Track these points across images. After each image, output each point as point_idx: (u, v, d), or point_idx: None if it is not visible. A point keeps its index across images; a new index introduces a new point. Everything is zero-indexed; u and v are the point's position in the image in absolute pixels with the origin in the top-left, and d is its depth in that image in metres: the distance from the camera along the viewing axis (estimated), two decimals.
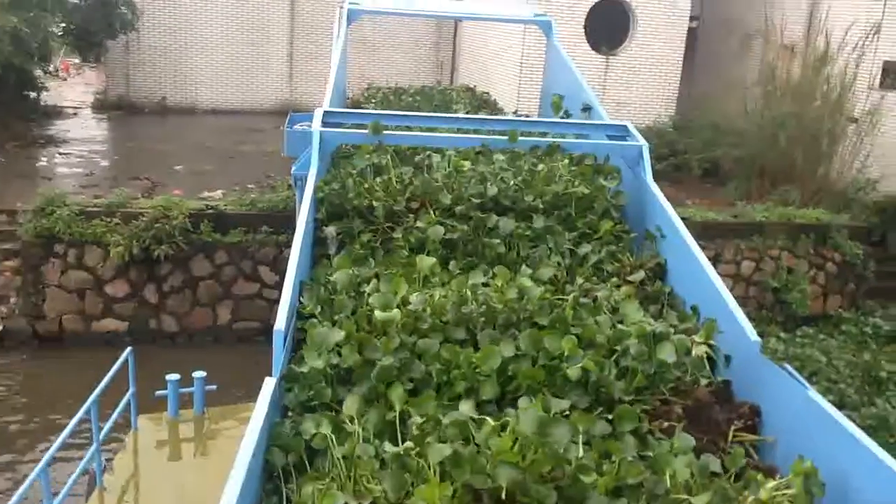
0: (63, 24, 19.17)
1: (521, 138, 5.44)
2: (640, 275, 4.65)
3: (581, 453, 2.81)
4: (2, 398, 10.07)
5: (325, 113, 5.34)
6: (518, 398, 3.33)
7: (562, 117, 6.92)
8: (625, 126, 5.70)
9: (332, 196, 4.87)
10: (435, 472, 2.67)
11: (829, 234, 13.79)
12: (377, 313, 3.66)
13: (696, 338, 3.93)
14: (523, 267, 4.49)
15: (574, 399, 3.35)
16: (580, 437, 2.90)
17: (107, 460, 6.67)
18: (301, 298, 4.02)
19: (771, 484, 2.99)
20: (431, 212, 4.85)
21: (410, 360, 3.46)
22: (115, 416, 6.87)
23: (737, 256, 13.31)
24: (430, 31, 22.94)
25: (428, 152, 5.68)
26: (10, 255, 11.44)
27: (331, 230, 4.71)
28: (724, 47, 19.62)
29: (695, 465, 3.01)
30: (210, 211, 11.68)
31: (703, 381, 3.72)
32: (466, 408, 3.16)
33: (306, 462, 3.05)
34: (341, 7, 8.57)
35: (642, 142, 5.37)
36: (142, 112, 21.24)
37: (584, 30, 17.71)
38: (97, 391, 6.26)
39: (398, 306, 3.77)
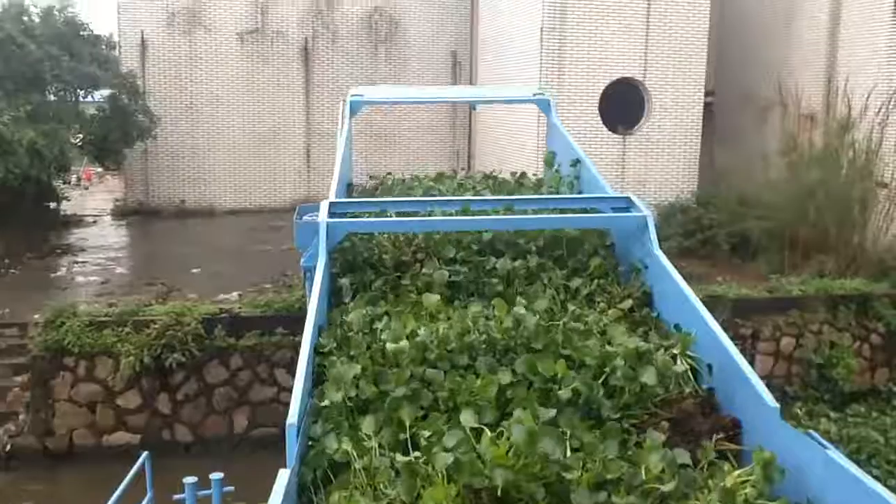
0: (81, 135, 19.38)
1: (528, 217, 5.70)
2: (629, 303, 5.06)
3: (567, 455, 3.24)
4: None
5: (332, 204, 5.49)
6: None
7: (561, 185, 7.15)
8: (627, 197, 5.74)
9: (344, 252, 5.42)
10: (441, 476, 3.07)
11: (870, 303, 13.12)
12: (389, 345, 4.12)
13: (676, 351, 4.26)
14: (519, 299, 4.84)
15: (567, 417, 3.65)
16: (567, 442, 3.34)
17: None
18: (320, 338, 4.45)
19: (735, 472, 3.37)
20: (436, 260, 5.36)
21: (420, 390, 3.86)
22: None
23: (775, 333, 12.66)
24: (445, 118, 23.00)
25: (430, 208, 6.09)
26: (21, 370, 11.12)
27: (345, 281, 5.23)
28: (741, 120, 19.41)
29: (667, 459, 3.34)
30: (224, 315, 11.33)
31: (688, 391, 4.04)
32: (467, 419, 3.54)
33: (331, 476, 3.45)
34: (344, 100, 8.51)
35: (647, 212, 5.47)
36: (161, 216, 21.28)
37: (598, 111, 17.57)
38: (114, 498, 6.33)
39: (408, 338, 4.21)
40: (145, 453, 7.35)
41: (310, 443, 3.66)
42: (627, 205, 5.68)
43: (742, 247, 16.07)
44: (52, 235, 18.60)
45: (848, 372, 12.56)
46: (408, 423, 3.57)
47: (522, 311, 4.52)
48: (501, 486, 2.98)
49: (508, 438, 3.16)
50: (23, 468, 10.56)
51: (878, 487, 3.02)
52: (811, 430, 3.51)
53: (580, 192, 6.96)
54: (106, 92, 19.91)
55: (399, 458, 3.26)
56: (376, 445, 3.48)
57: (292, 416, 3.29)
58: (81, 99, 19.41)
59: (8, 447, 10.60)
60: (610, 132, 17.82)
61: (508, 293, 5.07)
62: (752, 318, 12.62)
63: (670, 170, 18.18)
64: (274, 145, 22.14)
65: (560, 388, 3.83)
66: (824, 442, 3.34)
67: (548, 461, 3.14)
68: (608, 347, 4.18)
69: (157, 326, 10.67)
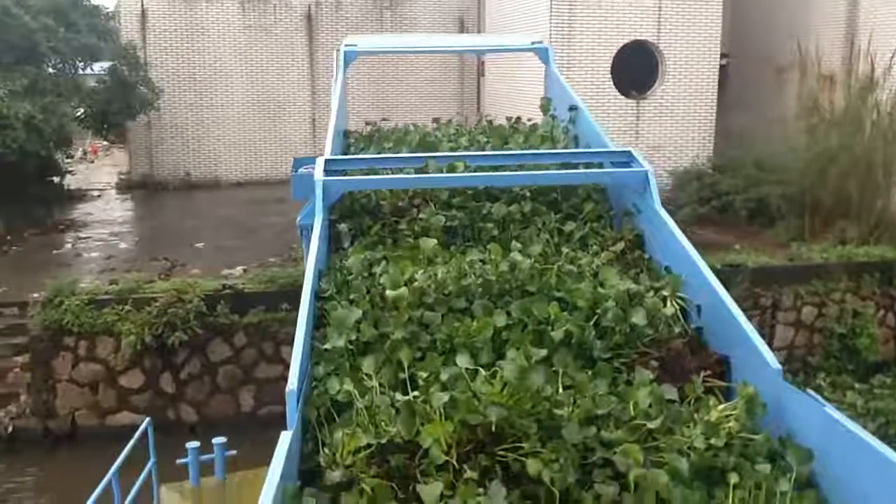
0: (83, 109, 19.01)
1: (526, 173, 5.64)
2: (621, 245, 5.11)
3: (559, 391, 3.35)
4: (17, 497, 9.51)
5: (327, 161, 5.42)
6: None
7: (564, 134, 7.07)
8: (629, 152, 5.61)
9: (342, 198, 5.41)
10: (438, 413, 3.17)
11: (894, 271, 12.68)
12: (388, 292, 4.20)
13: (666, 292, 4.38)
14: (514, 243, 4.91)
15: (559, 357, 3.74)
16: (559, 379, 3.48)
17: None
18: (321, 283, 4.52)
19: (720, 407, 3.51)
20: (432, 205, 5.42)
21: (418, 332, 3.96)
22: (137, 486, 6.88)
23: (796, 302, 12.26)
24: (454, 69, 22.57)
25: (427, 164, 6.15)
26: (22, 350, 10.86)
27: (343, 226, 5.28)
28: (757, 83, 18.82)
29: (655, 395, 3.43)
30: (227, 291, 11.01)
31: (677, 331, 4.16)
32: (463, 360, 3.63)
33: (334, 414, 3.52)
34: (337, 50, 8.19)
35: (648, 167, 5.36)
36: (166, 189, 20.95)
37: (610, 75, 17.04)
38: (118, 462, 6.39)
39: (406, 284, 4.28)
40: (147, 419, 7.43)
41: (313, 384, 3.78)
42: (628, 159, 5.56)
43: (760, 213, 15.59)
44: (55, 211, 18.31)
45: (871, 342, 12.17)
46: (406, 364, 3.70)
47: (518, 255, 4.61)
48: (495, 422, 3.10)
49: (502, 377, 3.29)
50: (25, 451, 10.34)
51: (875, 442, 3.04)
52: (809, 391, 3.48)
53: (576, 138, 6.96)
54: (106, 64, 19.52)
55: (399, 396, 3.39)
56: (377, 385, 3.59)
57: (292, 383, 3.32)
58: (81, 71, 18.99)
59: (10, 429, 10.38)
60: (623, 97, 17.29)
61: (504, 238, 5.14)
62: (772, 287, 12.20)
63: (685, 135, 17.66)
64: (279, 116, 21.70)
65: (553, 330, 3.94)
66: (822, 401, 3.35)
67: (539, 398, 3.24)
68: (600, 290, 4.29)
69: (157, 304, 10.37)
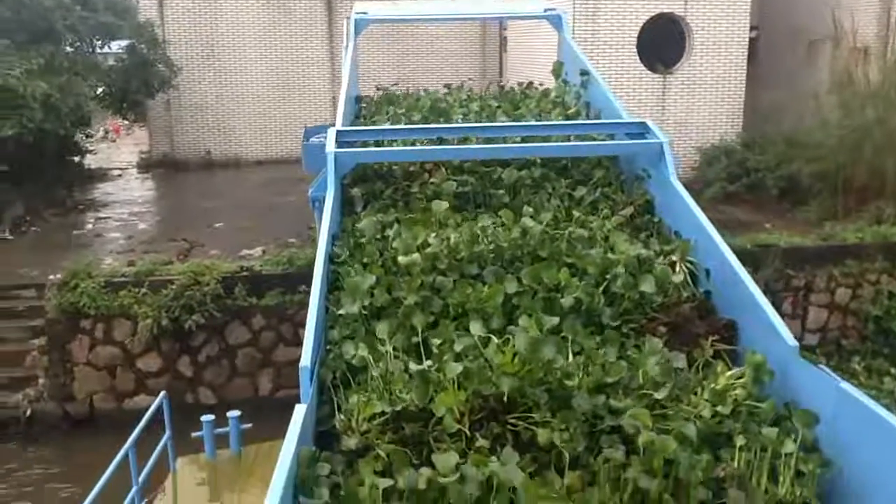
0: (102, 88, 18.84)
1: (539, 145, 5.54)
2: (630, 209, 5.17)
3: (568, 360, 3.37)
4: (35, 481, 9.43)
5: (339, 132, 5.37)
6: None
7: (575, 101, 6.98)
8: (644, 123, 5.57)
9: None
10: (452, 382, 3.19)
11: None
12: (401, 258, 4.26)
13: (675, 257, 4.45)
14: (526, 208, 4.94)
15: (569, 324, 3.79)
16: (568, 349, 3.49)
17: (147, 503, 6.74)
18: (334, 247, 4.58)
19: (727, 374, 3.57)
20: (444, 170, 5.43)
21: (430, 298, 4.01)
22: (153, 458, 6.91)
23: (830, 284, 11.88)
24: (475, 36, 22.13)
25: (439, 118, 6.35)
26: (39, 332, 10.75)
27: (356, 191, 5.30)
28: (788, 57, 18.25)
29: (663, 364, 3.48)
30: (244, 273, 10.82)
31: (686, 296, 4.22)
32: (476, 328, 3.69)
33: (350, 378, 3.60)
34: (347, 18, 8.09)
35: (664, 138, 5.29)
36: (186, 169, 20.78)
37: (636, 49, 16.58)
38: (134, 435, 6.46)
39: (418, 249, 4.33)
40: (162, 393, 7.52)
41: (328, 347, 3.84)
42: (643, 130, 5.50)
43: (791, 191, 15.13)
44: (75, 191, 18.20)
45: None
46: (420, 329, 3.74)
47: (529, 221, 4.65)
48: (507, 392, 3.14)
49: (514, 347, 3.29)
50: (44, 434, 10.27)
51: (888, 415, 3.02)
52: (827, 370, 3.46)
53: (587, 104, 6.92)
54: (124, 42, 19.31)
55: (413, 366, 3.40)
56: (390, 350, 3.62)
57: (305, 360, 3.31)
58: (99, 50, 18.79)
59: (28, 413, 10.30)
60: (649, 71, 16.82)
61: (515, 203, 5.14)
62: (805, 268, 11.82)
63: (713, 111, 17.17)
64: (299, 93, 21.39)
65: (563, 297, 4.00)
66: (835, 376, 3.33)
67: (550, 369, 3.27)
68: (610, 255, 4.34)
69: (174, 287, 10.21)
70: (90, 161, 21.11)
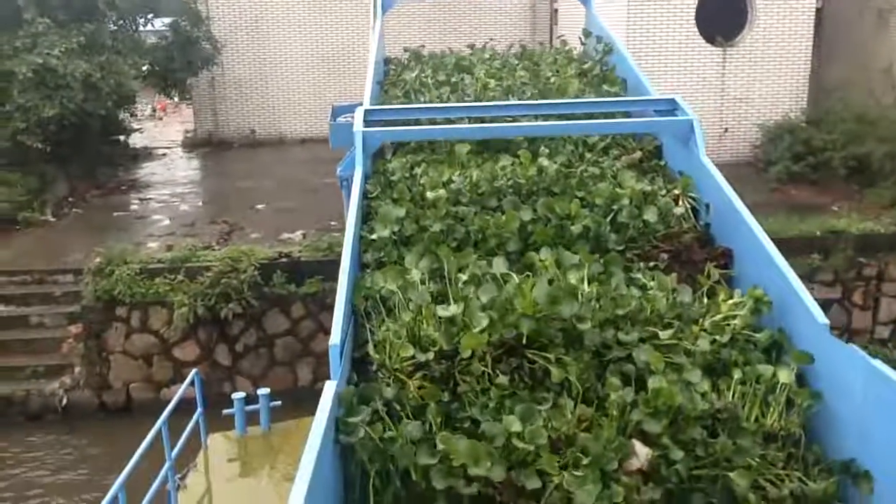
0: (146, 66, 18.62)
1: (567, 123, 5.55)
2: (639, 154, 5.51)
3: (581, 302, 3.52)
4: (70, 466, 9.32)
5: (367, 111, 5.35)
6: (537, 249, 4.19)
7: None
8: (673, 100, 5.51)
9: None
10: (476, 327, 3.41)
11: None
12: (428, 193, 4.64)
13: (677, 191, 4.79)
14: (542, 149, 5.33)
15: (578, 247, 4.18)
16: (581, 290, 3.65)
17: (179, 478, 6.81)
18: (367, 184, 4.89)
19: (729, 302, 3.84)
20: (466, 119, 5.63)
21: (454, 225, 4.38)
22: (185, 434, 7.08)
23: None
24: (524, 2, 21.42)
25: (462, 74, 6.75)
26: (75, 319, 10.55)
27: (386, 140, 5.49)
28: (856, 28, 17.18)
29: (671, 299, 3.76)
30: (283, 260, 10.45)
31: (687, 227, 4.56)
32: (499, 262, 3.94)
33: (380, 305, 3.79)
34: None
35: (693, 115, 5.26)
36: (231, 147, 20.54)
37: (695, 21, 15.72)
38: (167, 411, 6.60)
39: (443, 185, 4.73)
40: (194, 370, 7.69)
41: (359, 274, 4.10)
42: (673, 107, 5.49)
43: (860, 172, 14.23)
44: (119, 171, 18.09)
45: None
46: (444, 258, 3.99)
47: (545, 161, 5.04)
48: (526, 333, 3.39)
49: (533, 288, 3.48)
50: (80, 423, 10.09)
51: None
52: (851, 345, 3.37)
53: (612, 69, 7.10)
54: (167, 19, 19.03)
55: (441, 311, 3.55)
56: (418, 280, 3.84)
57: (335, 337, 3.36)
58: (141, 28, 18.54)
59: (64, 401, 10.13)
60: (708, 43, 15.95)
61: (532, 148, 5.39)
62: (877, 256, 11.04)
63: (777, 86, 16.22)
64: (345, 69, 20.91)
65: (573, 224, 4.35)
66: (864, 354, 3.26)
67: (563, 314, 3.48)
68: (617, 190, 4.66)
69: (210, 274, 9.88)
70: (136, 140, 21.02)
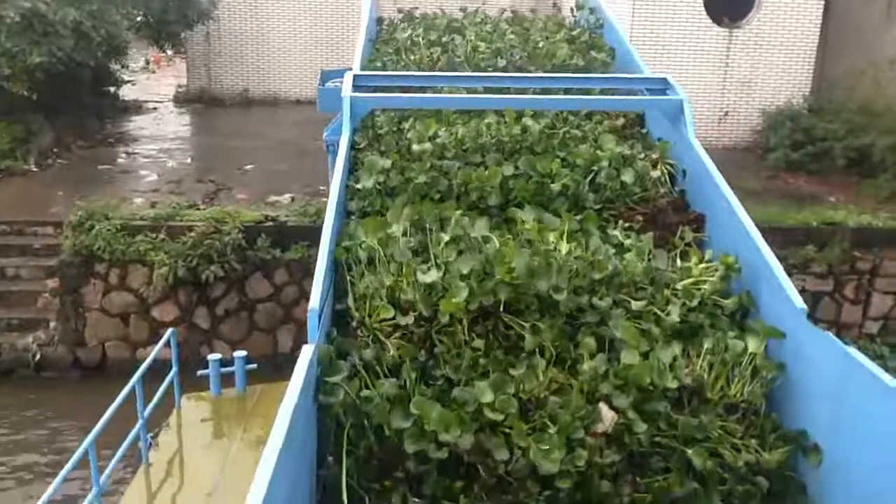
0: (140, 17, 18.17)
1: (558, 97, 5.61)
2: (622, 120, 5.60)
3: (556, 280, 3.61)
4: (40, 422, 9.14)
5: (356, 77, 5.36)
6: (518, 205, 4.44)
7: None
8: (664, 79, 5.58)
9: (375, 70, 6.07)
10: (455, 297, 3.52)
11: None
12: (414, 146, 4.81)
13: (654, 154, 4.97)
14: (527, 110, 5.33)
15: (557, 205, 4.44)
16: (557, 262, 3.70)
17: (151, 437, 6.82)
18: (355, 137, 5.01)
19: (700, 266, 4.08)
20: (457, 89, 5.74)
21: (438, 177, 4.51)
22: (159, 393, 7.02)
23: None
24: None
25: (452, 35, 6.86)
26: (52, 273, 10.29)
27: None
28: (863, 17, 16.86)
29: (646, 259, 3.98)
30: (269, 223, 10.20)
31: (663, 191, 4.75)
32: (481, 224, 4.07)
33: (362, 259, 3.89)
34: None
35: (683, 95, 5.32)
36: (223, 105, 20.13)
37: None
38: (141, 370, 6.54)
39: (429, 139, 4.89)
40: (171, 330, 7.60)
41: (344, 220, 4.25)
42: (664, 87, 5.56)
43: (859, 164, 14.00)
44: (107, 123, 17.70)
45: None
46: (426, 216, 4.06)
47: (529, 121, 5.12)
48: (503, 299, 3.51)
49: (512, 255, 3.57)
50: (53, 380, 9.89)
51: (891, 380, 3.07)
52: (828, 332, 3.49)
53: (601, 36, 7.22)
54: None
55: (421, 276, 3.60)
56: (399, 235, 3.89)
57: (314, 302, 3.35)
58: None
59: (37, 356, 9.89)
60: (714, 24, 15.64)
61: (518, 110, 5.37)
62: (872, 251, 10.86)
63: (781, 71, 15.94)
64: (343, 31, 20.45)
65: (553, 182, 4.52)
66: (840, 343, 3.35)
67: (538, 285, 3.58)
68: (598, 152, 4.84)
69: (193, 235, 9.63)
70: (127, 93, 20.61)
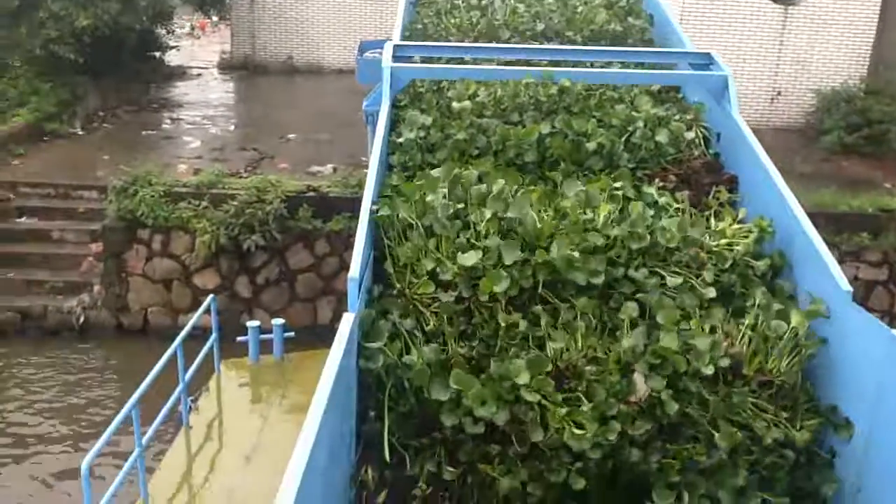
0: None
1: (599, 70, 5.58)
2: (658, 85, 5.59)
3: (596, 266, 3.61)
4: (84, 382, 9.28)
5: (396, 47, 5.32)
6: (554, 162, 4.55)
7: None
8: (709, 54, 5.45)
9: (416, 33, 6.20)
10: (498, 281, 3.51)
11: None
12: (454, 104, 4.92)
13: (689, 116, 4.98)
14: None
15: (591, 163, 4.55)
16: (597, 244, 3.72)
17: (192, 401, 6.94)
18: (398, 95, 5.10)
19: (735, 226, 4.07)
20: (493, 43, 5.96)
21: (476, 134, 4.62)
22: (199, 358, 7.09)
23: None
24: None
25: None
26: (97, 237, 10.36)
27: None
28: None
29: (683, 230, 3.85)
30: (311, 193, 10.15)
31: (697, 153, 4.76)
32: (523, 202, 3.88)
33: (400, 233, 3.86)
34: None
35: (727, 71, 5.16)
36: (267, 72, 20.09)
37: None
38: (182, 334, 6.61)
39: (469, 98, 4.99)
40: (211, 296, 7.71)
41: (386, 173, 4.36)
42: (708, 62, 5.42)
43: None
44: (152, 88, 17.78)
45: None
46: (466, 188, 4.00)
47: (567, 82, 5.10)
48: (542, 280, 3.56)
49: (552, 240, 3.65)
50: (96, 341, 10.00)
51: None
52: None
53: (639, 2, 7.10)
54: None
55: (461, 259, 3.57)
56: (438, 205, 3.82)
57: (354, 270, 3.34)
58: None
59: (81, 319, 9.99)
60: (770, 1, 15.18)
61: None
62: None
63: (837, 50, 15.45)
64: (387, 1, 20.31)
65: (588, 141, 4.57)
66: (886, 327, 3.27)
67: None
68: (633, 113, 4.87)
69: (235, 203, 9.61)
70: (172, 58, 20.65)
